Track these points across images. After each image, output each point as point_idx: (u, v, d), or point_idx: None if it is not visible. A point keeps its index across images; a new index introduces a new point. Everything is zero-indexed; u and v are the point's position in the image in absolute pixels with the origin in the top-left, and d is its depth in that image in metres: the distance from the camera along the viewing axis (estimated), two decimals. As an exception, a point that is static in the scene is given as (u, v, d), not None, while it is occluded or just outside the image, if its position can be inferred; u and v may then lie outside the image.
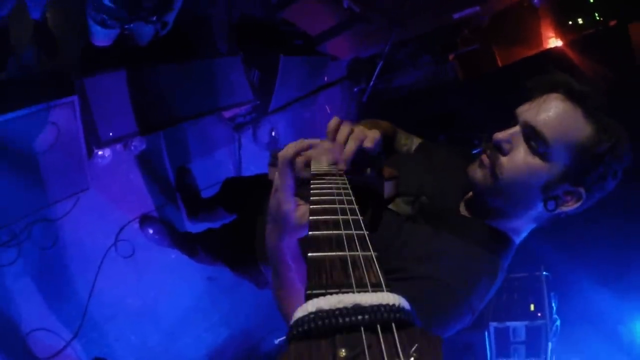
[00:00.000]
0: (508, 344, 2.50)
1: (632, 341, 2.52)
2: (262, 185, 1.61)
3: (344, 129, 0.76)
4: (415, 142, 1.23)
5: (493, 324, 2.52)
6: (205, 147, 2.47)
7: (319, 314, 0.28)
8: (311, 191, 0.63)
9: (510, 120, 0.87)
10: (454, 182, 0.96)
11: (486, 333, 2.56)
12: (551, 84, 0.83)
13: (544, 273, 2.53)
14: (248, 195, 1.66)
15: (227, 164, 2.60)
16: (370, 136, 0.75)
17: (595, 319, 2.57)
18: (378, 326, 0.27)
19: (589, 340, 2.58)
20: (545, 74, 0.86)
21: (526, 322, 2.43)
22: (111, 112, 1.81)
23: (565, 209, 0.82)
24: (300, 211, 0.72)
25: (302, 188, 0.72)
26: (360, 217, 0.49)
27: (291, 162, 0.71)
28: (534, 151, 0.80)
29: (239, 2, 2.45)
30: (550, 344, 2.38)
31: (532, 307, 2.44)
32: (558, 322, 2.46)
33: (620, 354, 2.55)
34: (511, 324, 2.47)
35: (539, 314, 2.42)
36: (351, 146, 0.73)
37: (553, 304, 2.48)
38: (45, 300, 1.73)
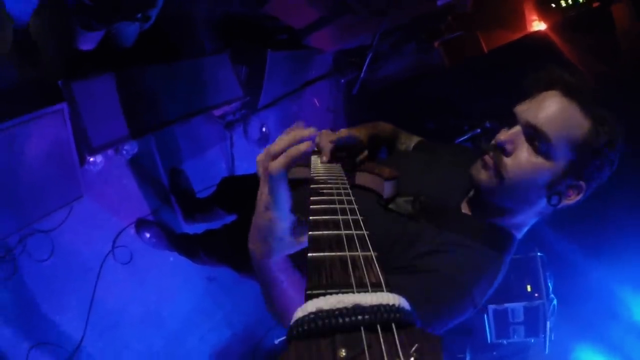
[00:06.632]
0: (507, 325, 2.55)
1: (629, 313, 2.60)
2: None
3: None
4: (414, 140, 1.23)
5: (492, 307, 2.57)
6: (196, 147, 2.43)
7: (319, 314, 0.28)
8: (311, 191, 0.63)
9: (499, 106, 0.90)
10: (454, 180, 0.97)
11: (485, 316, 2.61)
12: (547, 81, 0.85)
13: (539, 254, 2.58)
14: (249, 193, 1.64)
15: (219, 162, 2.57)
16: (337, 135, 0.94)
17: (590, 295, 2.65)
18: (378, 326, 0.27)
19: (586, 316, 2.66)
20: (539, 70, 0.88)
21: (524, 303, 2.49)
22: (101, 117, 1.77)
23: (568, 202, 0.85)
24: (298, 228, 0.65)
25: (298, 190, 0.67)
26: (360, 217, 0.49)
27: (286, 173, 0.61)
28: (537, 150, 0.82)
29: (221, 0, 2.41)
30: (548, 323, 2.44)
31: (528, 288, 2.50)
32: (555, 301, 2.52)
33: (617, 326, 2.63)
34: (509, 305, 2.53)
35: (536, 294, 2.47)
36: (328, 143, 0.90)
37: (549, 284, 2.53)
38: (46, 313, 1.70)
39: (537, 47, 2.82)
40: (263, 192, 0.64)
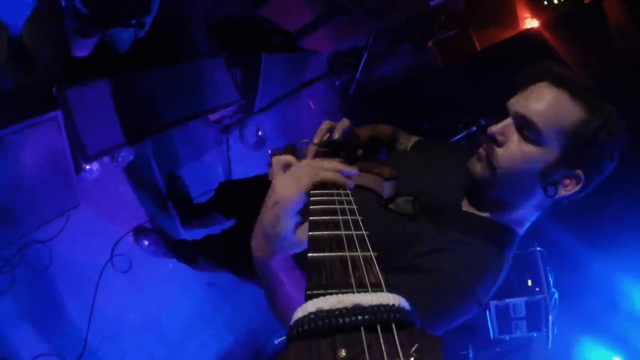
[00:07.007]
0: (509, 321, 2.56)
1: (630, 304, 2.61)
2: (261, 186, 1.59)
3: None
4: (412, 140, 1.23)
5: (493, 302, 2.57)
6: (193, 152, 2.42)
7: (319, 314, 0.28)
8: (311, 191, 0.63)
9: (494, 104, 0.91)
10: (454, 178, 0.97)
11: (487, 312, 2.61)
12: (537, 73, 0.86)
13: (538, 248, 2.59)
14: (247, 198, 1.63)
15: (216, 167, 2.56)
16: (338, 127, 0.91)
17: (592, 288, 2.65)
18: (378, 326, 0.27)
19: (588, 308, 2.66)
20: (530, 64, 0.89)
21: (525, 298, 2.49)
22: (96, 124, 1.75)
23: (565, 193, 0.84)
24: (302, 229, 0.65)
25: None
26: (360, 218, 0.49)
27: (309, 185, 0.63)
28: (527, 139, 0.83)
29: (217, 2, 2.40)
30: (550, 317, 2.45)
31: (529, 282, 2.50)
32: (556, 295, 2.53)
33: (619, 317, 2.64)
34: (511, 300, 2.53)
35: (537, 289, 2.48)
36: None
37: (550, 278, 2.54)
38: (46, 325, 1.67)
39: (531, 44, 2.84)
40: (278, 188, 0.64)
